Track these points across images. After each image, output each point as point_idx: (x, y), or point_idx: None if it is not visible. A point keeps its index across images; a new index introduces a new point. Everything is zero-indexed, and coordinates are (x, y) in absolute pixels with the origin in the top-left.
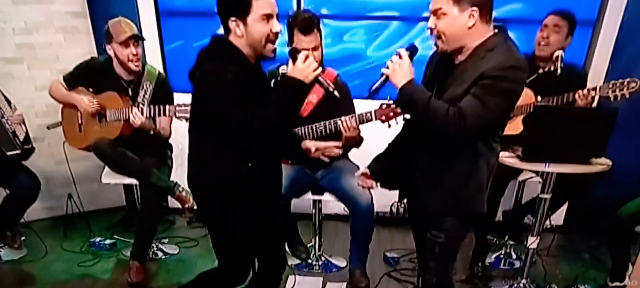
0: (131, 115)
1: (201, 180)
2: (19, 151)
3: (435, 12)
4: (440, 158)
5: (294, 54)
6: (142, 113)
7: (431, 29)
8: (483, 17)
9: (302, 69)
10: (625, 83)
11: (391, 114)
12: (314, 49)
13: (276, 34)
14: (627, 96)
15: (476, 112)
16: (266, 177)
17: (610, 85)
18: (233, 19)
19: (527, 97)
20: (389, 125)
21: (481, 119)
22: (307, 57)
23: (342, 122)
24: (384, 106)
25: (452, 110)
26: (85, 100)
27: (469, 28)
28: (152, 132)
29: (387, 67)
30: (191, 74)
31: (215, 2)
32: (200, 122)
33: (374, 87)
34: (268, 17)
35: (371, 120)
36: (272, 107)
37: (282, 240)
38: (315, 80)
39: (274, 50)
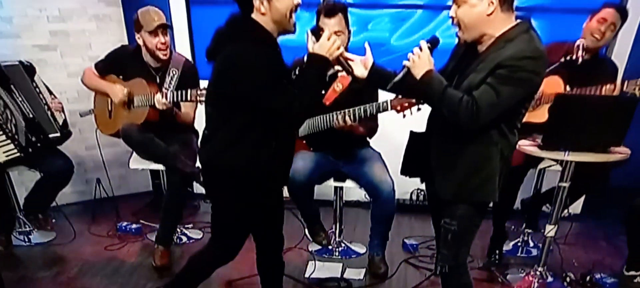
0: (154, 101)
1: (226, 157)
2: (58, 134)
3: (456, 0)
4: (453, 145)
5: (317, 32)
6: (165, 98)
7: (452, 18)
8: (503, 6)
9: (327, 46)
10: None
11: (406, 104)
12: (337, 32)
13: (297, 5)
14: None
15: (489, 101)
16: (284, 155)
17: (638, 83)
18: None
19: (556, 85)
20: (404, 115)
21: (494, 108)
22: (330, 36)
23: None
24: (400, 96)
25: (465, 99)
26: (117, 87)
27: (488, 16)
28: (174, 114)
29: (409, 60)
30: (210, 52)
31: None
32: (227, 102)
33: (396, 80)
34: None
35: (387, 109)
36: (306, 88)
37: (282, 217)
38: (338, 61)
39: (295, 24)
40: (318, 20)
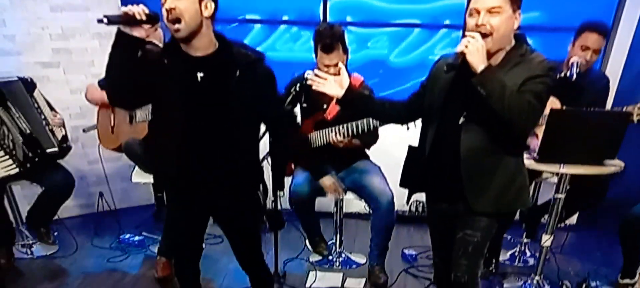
0: None
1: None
2: (56, 149)
3: (489, 10)
4: (488, 158)
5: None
6: None
7: (481, 26)
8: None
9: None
10: None
11: None
12: (336, 64)
13: (166, 11)
14: None
15: (538, 106)
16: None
17: (638, 108)
18: None
19: (553, 105)
20: (408, 127)
21: (540, 113)
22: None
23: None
24: None
25: (526, 99)
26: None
27: (514, 30)
28: None
29: (466, 46)
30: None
31: None
32: (254, 117)
33: (449, 64)
34: None
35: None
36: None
37: (202, 227)
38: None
39: (174, 30)
40: (316, 51)
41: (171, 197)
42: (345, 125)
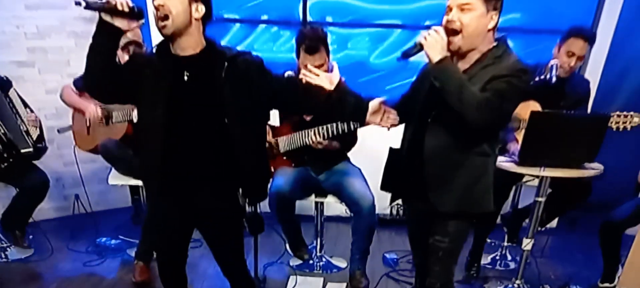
0: (133, 115)
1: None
2: (31, 149)
3: (460, 7)
4: (451, 158)
5: None
6: None
7: (450, 22)
8: (496, 26)
9: None
10: (629, 116)
11: None
12: (319, 66)
13: (156, 9)
14: (629, 129)
15: (497, 104)
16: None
17: (617, 116)
18: None
19: (533, 107)
20: (388, 128)
21: (498, 112)
22: None
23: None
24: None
25: (485, 95)
26: (91, 107)
27: (488, 31)
28: None
29: (425, 38)
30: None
31: None
32: (247, 116)
33: (405, 51)
34: None
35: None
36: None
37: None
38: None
39: (161, 27)
40: (298, 50)
41: (155, 198)
42: (325, 127)
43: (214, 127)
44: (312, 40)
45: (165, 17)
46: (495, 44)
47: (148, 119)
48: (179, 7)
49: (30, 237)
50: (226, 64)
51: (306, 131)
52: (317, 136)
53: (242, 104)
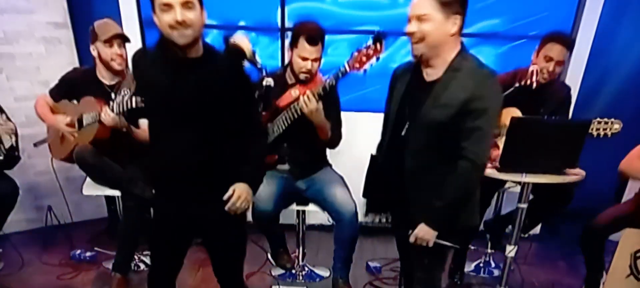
0: (102, 114)
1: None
2: (1, 157)
3: (418, 17)
4: (432, 176)
5: None
6: (113, 111)
7: (411, 33)
8: (460, 29)
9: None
10: (609, 122)
11: (364, 58)
12: (315, 60)
13: (178, 22)
14: (609, 136)
15: (485, 144)
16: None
17: (597, 122)
18: None
19: (513, 113)
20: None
21: (488, 144)
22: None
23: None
24: (356, 53)
25: (465, 165)
26: (59, 119)
27: (451, 36)
28: (125, 130)
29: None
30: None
31: None
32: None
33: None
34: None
35: (346, 73)
36: None
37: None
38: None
39: (180, 35)
40: (296, 40)
41: (161, 203)
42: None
43: (221, 131)
44: (314, 31)
45: (188, 28)
46: (460, 48)
47: (156, 125)
48: (199, 18)
49: (0, 250)
50: (227, 64)
51: (293, 106)
52: (308, 100)
53: (232, 107)
